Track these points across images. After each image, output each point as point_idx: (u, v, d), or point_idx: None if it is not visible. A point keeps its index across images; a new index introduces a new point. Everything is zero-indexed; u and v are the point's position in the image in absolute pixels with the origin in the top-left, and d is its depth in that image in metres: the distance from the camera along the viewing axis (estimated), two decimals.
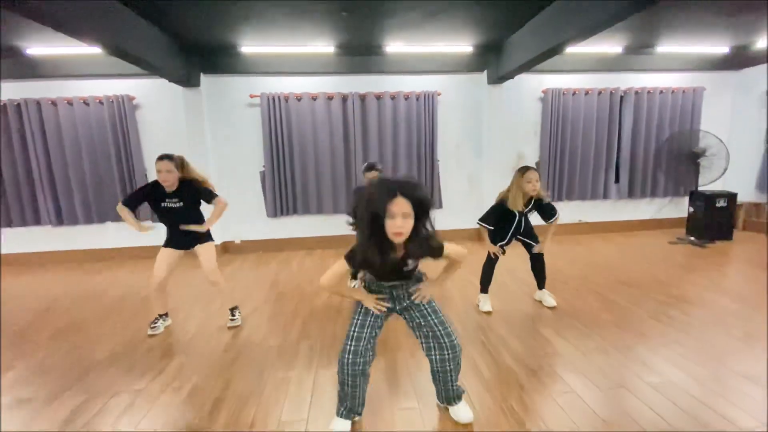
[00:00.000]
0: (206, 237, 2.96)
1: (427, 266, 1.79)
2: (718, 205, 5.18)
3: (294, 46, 4.64)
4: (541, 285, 3.27)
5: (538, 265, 3.21)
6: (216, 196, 2.93)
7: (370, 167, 3.47)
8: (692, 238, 5.19)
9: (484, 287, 3.22)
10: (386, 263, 1.52)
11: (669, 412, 1.85)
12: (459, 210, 5.60)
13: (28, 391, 2.24)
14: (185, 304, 3.52)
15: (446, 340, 1.75)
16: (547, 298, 3.23)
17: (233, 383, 2.23)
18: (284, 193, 5.25)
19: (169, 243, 2.89)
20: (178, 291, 3.85)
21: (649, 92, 5.61)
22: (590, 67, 5.42)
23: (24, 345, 2.84)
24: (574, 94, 5.48)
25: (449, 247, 1.64)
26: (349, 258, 1.54)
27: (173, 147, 5.06)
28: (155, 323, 2.95)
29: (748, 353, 2.38)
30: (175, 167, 2.72)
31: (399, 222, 1.40)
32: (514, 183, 2.90)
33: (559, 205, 5.70)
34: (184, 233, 2.85)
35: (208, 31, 4.15)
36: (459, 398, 1.88)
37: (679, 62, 5.50)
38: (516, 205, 2.89)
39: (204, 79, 4.94)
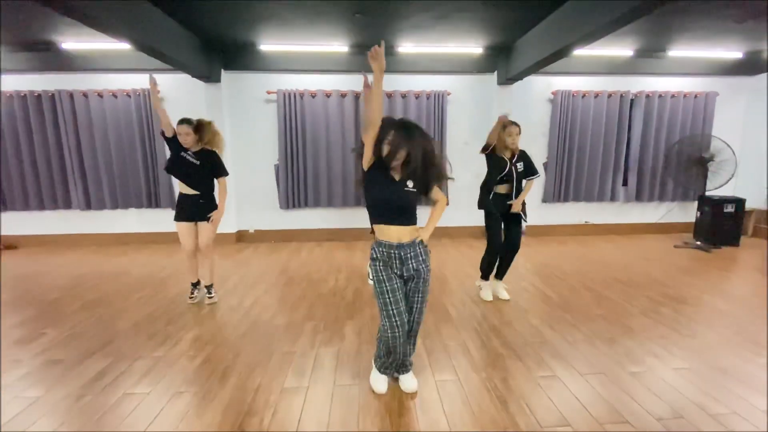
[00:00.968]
0: (210, 209, 3.21)
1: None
2: (726, 210, 5.18)
3: (310, 45, 4.85)
4: (501, 275, 3.35)
5: (513, 253, 3.24)
6: (226, 174, 3.24)
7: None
8: (698, 243, 5.21)
9: (486, 273, 3.29)
10: (387, 184, 1.77)
11: (644, 397, 1.99)
12: (465, 206, 5.71)
13: (60, 353, 2.50)
14: (200, 285, 3.76)
15: (414, 331, 1.97)
16: (503, 291, 3.32)
17: (243, 354, 2.45)
18: (297, 186, 5.48)
19: (180, 216, 3.14)
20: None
21: (660, 96, 5.62)
22: (601, 70, 5.47)
23: (55, 315, 3.13)
24: (583, 96, 5.53)
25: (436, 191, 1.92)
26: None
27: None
28: (193, 294, 3.31)
29: (730, 349, 2.47)
30: (192, 130, 3.03)
31: (386, 149, 1.71)
32: (496, 134, 3.03)
33: (565, 206, 5.88)
34: (192, 203, 3.12)
35: (230, 29, 4.39)
36: (407, 369, 2.08)
37: (691, 66, 5.50)
38: (500, 149, 3.07)
39: (224, 75, 5.20)
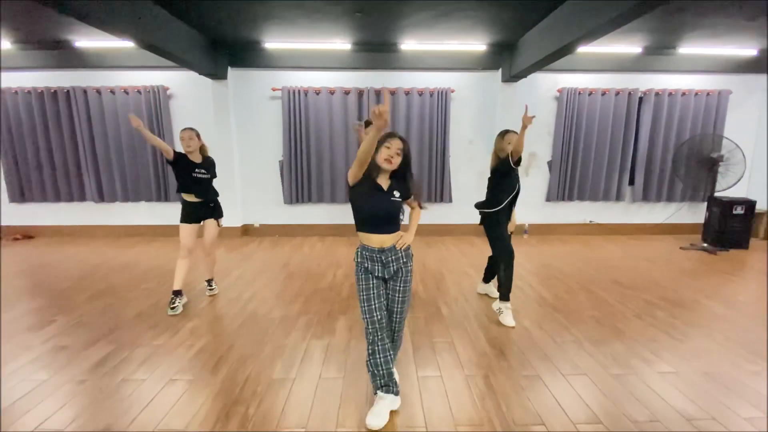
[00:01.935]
0: (217, 213, 3.36)
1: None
2: (735, 212, 5.07)
3: (313, 42, 4.91)
4: (488, 279, 3.37)
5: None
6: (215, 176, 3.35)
7: (368, 123, 3.51)
8: (705, 245, 5.11)
9: (505, 293, 2.93)
10: (377, 194, 1.84)
11: (623, 400, 2.01)
12: (468, 205, 5.71)
13: (66, 340, 2.65)
14: (202, 278, 3.89)
15: (396, 333, 2.01)
16: (494, 290, 3.29)
17: (237, 345, 2.55)
18: (301, 182, 5.57)
19: (187, 219, 3.22)
20: (198, 268, 4.24)
21: (670, 94, 5.50)
22: (608, 67, 5.38)
23: (66, 303, 3.29)
24: (590, 94, 5.45)
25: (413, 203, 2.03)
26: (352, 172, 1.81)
27: (202, 135, 5.49)
28: (173, 304, 3.09)
29: (720, 355, 2.46)
30: (196, 135, 3.17)
31: (393, 152, 1.80)
32: (495, 147, 3.00)
33: (569, 205, 5.83)
34: (206, 208, 3.25)
35: (235, 28, 4.47)
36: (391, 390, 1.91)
37: (703, 64, 5.36)
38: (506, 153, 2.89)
39: (231, 72, 5.30)
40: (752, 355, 2.45)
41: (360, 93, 5.38)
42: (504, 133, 3.03)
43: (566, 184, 5.66)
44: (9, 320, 2.95)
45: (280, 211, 5.74)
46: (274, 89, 5.36)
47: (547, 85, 5.49)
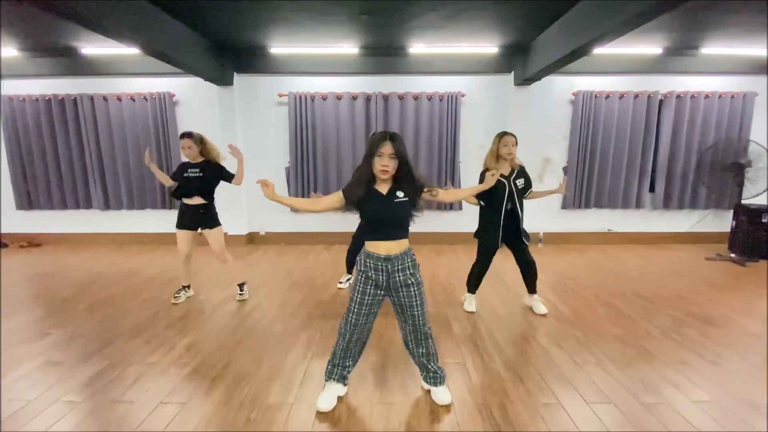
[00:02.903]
0: (214, 222, 3.30)
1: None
2: (764, 220, 4.77)
3: (319, 47, 4.81)
4: (532, 289, 3.17)
5: (530, 269, 3.08)
6: (233, 176, 3.35)
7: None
8: (732, 255, 4.82)
9: (472, 288, 3.18)
10: (378, 197, 1.79)
11: None
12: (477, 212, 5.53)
13: (59, 355, 2.53)
14: (206, 286, 3.78)
15: (421, 325, 1.93)
16: (539, 304, 3.15)
17: (233, 364, 2.40)
18: (307, 189, 5.45)
19: (180, 224, 3.25)
20: (202, 272, 4.14)
21: (692, 96, 5.25)
22: (626, 69, 5.16)
23: (63, 315, 3.20)
24: (607, 97, 5.24)
25: (437, 190, 1.96)
26: (344, 190, 1.83)
27: (207, 141, 5.44)
28: (178, 294, 3.41)
29: (758, 380, 2.22)
30: (194, 143, 3.16)
31: (386, 160, 1.72)
32: (491, 148, 2.88)
33: (586, 213, 5.59)
34: (193, 213, 3.21)
35: (240, 32, 4.40)
36: (440, 382, 2.02)
37: (727, 65, 5.10)
38: (495, 164, 2.82)
39: (237, 78, 5.23)
40: None
41: (368, 98, 5.25)
42: (502, 135, 2.86)
43: (583, 191, 5.43)
44: (4, 332, 2.86)
45: (285, 218, 5.63)
46: (280, 95, 5.28)
47: (562, 89, 5.29)
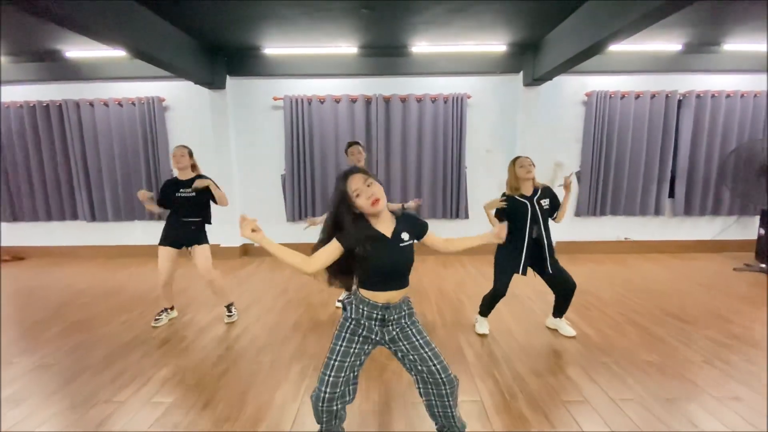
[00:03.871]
0: (201, 239, 3.07)
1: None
2: None
3: (316, 46, 4.53)
4: (560, 313, 2.85)
5: (568, 288, 2.74)
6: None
7: (350, 144, 3.17)
8: (762, 265, 4.46)
9: (485, 311, 2.89)
10: (383, 241, 1.44)
11: None
12: (487, 222, 5.21)
13: (20, 392, 2.21)
14: (191, 307, 3.46)
15: (443, 375, 1.52)
16: (565, 326, 2.85)
17: (214, 402, 2.07)
18: (304, 197, 5.15)
19: (165, 241, 3.03)
20: (190, 289, 3.82)
21: (713, 96, 4.94)
22: (642, 68, 4.86)
23: (32, 340, 2.88)
24: (622, 97, 4.93)
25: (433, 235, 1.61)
26: (341, 236, 1.44)
27: (199, 148, 5.12)
28: (159, 316, 3.12)
29: None
30: (188, 153, 3.02)
31: (369, 191, 1.39)
32: (509, 174, 2.67)
33: (601, 221, 5.25)
34: (179, 230, 3.00)
35: (231, 32, 4.13)
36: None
37: (750, 62, 4.79)
38: (517, 189, 2.61)
39: (230, 81, 4.96)
40: None
41: (368, 101, 4.97)
42: (516, 159, 2.66)
43: (598, 197, 5.10)
44: None
45: (282, 229, 5.30)
46: (275, 98, 5.00)
47: (574, 89, 4.99)
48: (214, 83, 4.78)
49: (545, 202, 2.62)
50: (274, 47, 4.58)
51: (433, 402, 1.58)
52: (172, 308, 3.21)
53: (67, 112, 4.99)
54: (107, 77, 4.92)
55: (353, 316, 1.51)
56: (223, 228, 5.09)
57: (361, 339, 1.51)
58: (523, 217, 2.60)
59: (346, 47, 4.56)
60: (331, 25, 3.89)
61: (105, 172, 5.10)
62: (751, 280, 4.13)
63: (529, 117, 4.91)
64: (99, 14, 3.00)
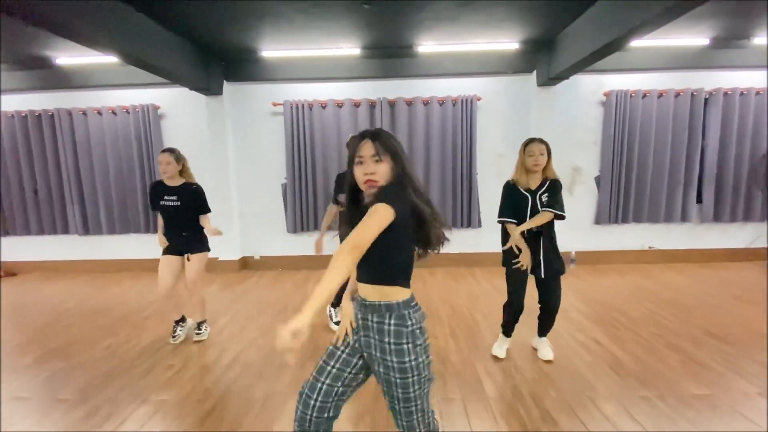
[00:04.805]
0: (194, 247, 2.92)
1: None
2: None
3: (316, 48, 4.30)
4: (542, 331, 2.56)
5: (549, 314, 2.45)
6: (208, 211, 2.96)
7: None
8: None
9: (508, 330, 2.58)
10: (356, 219, 1.09)
11: None
12: (499, 229, 4.90)
13: None
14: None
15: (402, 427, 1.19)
16: (546, 348, 2.56)
17: None
18: (306, 207, 4.89)
19: (167, 249, 2.91)
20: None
21: (742, 93, 4.61)
22: (665, 64, 4.55)
23: (7, 368, 2.63)
24: (644, 96, 4.62)
25: (368, 214, 1.11)
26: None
27: (195, 157, 4.88)
28: (175, 332, 2.97)
29: None
30: (174, 159, 2.80)
31: (369, 167, 1.14)
32: (518, 159, 2.39)
33: (623, 229, 4.90)
34: (179, 237, 2.88)
35: (226, 33, 3.92)
36: None
37: None
38: (522, 181, 2.34)
39: (227, 87, 4.74)
40: None
41: (372, 105, 4.72)
42: (528, 143, 2.34)
43: (619, 204, 4.77)
44: None
45: (282, 240, 5.04)
46: (275, 104, 4.77)
47: (591, 88, 4.69)
48: (211, 89, 4.56)
49: (545, 197, 2.32)
50: (272, 50, 4.36)
51: None
52: (183, 320, 3.04)
53: (60, 121, 4.81)
54: (100, 85, 4.72)
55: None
56: (219, 239, 4.86)
57: (349, 343, 1.23)
58: (522, 213, 2.33)
59: (348, 48, 4.32)
60: (331, 24, 3.65)
61: (99, 183, 4.89)
62: None
63: (544, 119, 4.62)
64: (88, 18, 2.81)
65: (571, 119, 4.73)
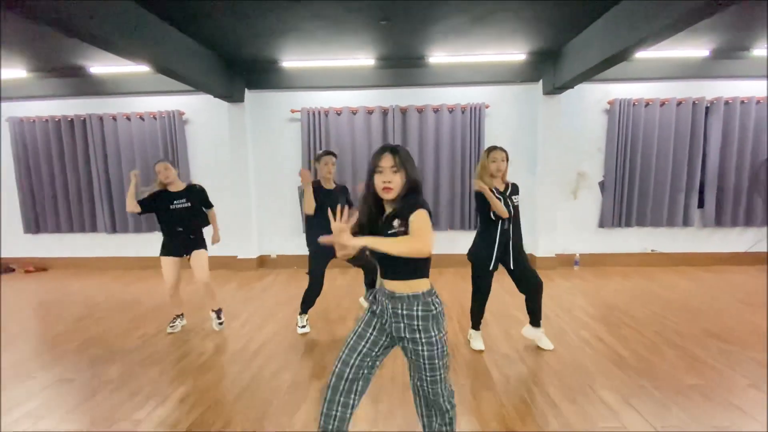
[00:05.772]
0: (200, 244, 3.13)
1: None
2: None
3: (334, 59, 4.54)
4: (534, 321, 2.74)
5: (535, 293, 2.67)
6: (213, 206, 3.29)
7: (324, 153, 2.96)
8: None
9: (475, 323, 2.83)
10: (376, 225, 1.41)
11: None
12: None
13: (38, 408, 2.18)
14: (207, 322, 3.40)
15: (433, 404, 1.46)
16: (545, 339, 2.77)
17: (232, 425, 2.00)
18: None
19: (166, 251, 3.08)
20: (203, 309, 3.79)
21: (742, 102, 4.75)
22: (667, 74, 4.72)
23: (49, 355, 2.88)
24: (647, 105, 4.79)
25: (418, 220, 1.28)
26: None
27: (217, 160, 5.19)
28: (173, 323, 3.22)
29: None
30: (171, 165, 2.99)
31: (387, 176, 1.36)
32: (480, 165, 2.60)
33: (626, 232, 5.06)
34: (178, 240, 3.04)
35: (250, 46, 4.17)
36: None
37: None
38: (488, 184, 2.51)
39: (248, 94, 5.00)
40: None
41: (384, 112, 4.94)
42: (491, 150, 2.56)
43: (623, 208, 4.92)
44: None
45: (298, 240, 5.26)
46: (293, 111, 5.01)
47: (596, 97, 4.86)
48: (233, 96, 4.82)
49: (516, 199, 2.60)
50: (291, 60, 4.61)
51: (421, 410, 1.53)
52: (182, 315, 3.29)
53: (91, 126, 5.10)
54: (129, 92, 5.01)
55: (371, 303, 1.47)
56: (238, 239, 5.12)
57: (376, 323, 1.43)
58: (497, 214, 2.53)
59: (364, 59, 4.56)
60: (350, 38, 3.89)
61: (126, 184, 5.16)
62: None
63: (550, 126, 4.80)
64: (124, 31, 3.06)
65: (576, 126, 4.91)
